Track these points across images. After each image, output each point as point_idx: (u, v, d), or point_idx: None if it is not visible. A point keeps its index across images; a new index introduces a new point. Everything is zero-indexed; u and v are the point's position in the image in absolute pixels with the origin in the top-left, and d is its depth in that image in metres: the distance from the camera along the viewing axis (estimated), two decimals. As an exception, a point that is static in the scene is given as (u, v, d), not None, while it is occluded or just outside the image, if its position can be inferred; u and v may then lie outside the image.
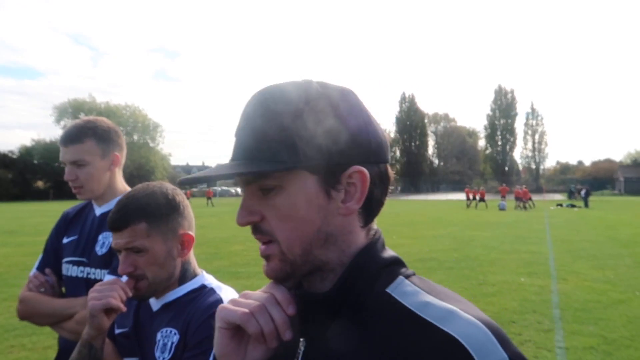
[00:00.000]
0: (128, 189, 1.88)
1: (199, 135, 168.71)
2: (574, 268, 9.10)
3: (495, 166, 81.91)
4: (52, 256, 1.85)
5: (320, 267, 0.68)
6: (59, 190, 54.80)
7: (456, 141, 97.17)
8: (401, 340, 0.60)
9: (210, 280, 1.44)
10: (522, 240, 13.71)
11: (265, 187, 0.66)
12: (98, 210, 1.82)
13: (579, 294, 6.97)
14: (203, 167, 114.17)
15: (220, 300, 1.31)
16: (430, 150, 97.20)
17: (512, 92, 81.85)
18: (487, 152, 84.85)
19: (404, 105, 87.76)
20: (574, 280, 8.00)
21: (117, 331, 1.53)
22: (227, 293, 1.37)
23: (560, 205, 34.97)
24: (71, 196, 1.75)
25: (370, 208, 0.69)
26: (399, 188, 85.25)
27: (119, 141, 1.84)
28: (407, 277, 0.68)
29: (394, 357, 0.60)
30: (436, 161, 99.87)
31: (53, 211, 29.52)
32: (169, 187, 1.38)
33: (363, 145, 0.66)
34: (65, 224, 1.89)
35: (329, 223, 0.66)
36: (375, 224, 0.73)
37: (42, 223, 19.89)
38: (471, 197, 34.45)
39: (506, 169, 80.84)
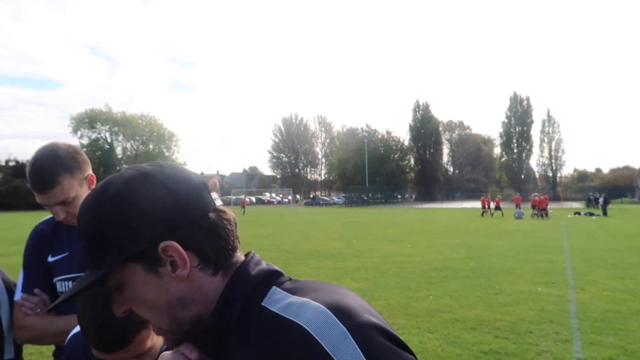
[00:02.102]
0: None
1: (214, 144, 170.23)
2: (592, 277, 8.95)
3: (511, 174, 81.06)
4: (37, 275, 1.81)
5: (198, 322, 0.74)
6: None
7: (471, 149, 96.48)
8: (275, 345, 0.65)
9: None
10: (538, 249, 13.53)
11: (115, 288, 0.75)
12: None
13: (597, 304, 6.85)
14: (218, 176, 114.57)
15: None
16: (445, 158, 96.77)
17: (527, 99, 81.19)
18: (503, 159, 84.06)
19: (418, 113, 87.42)
20: (593, 290, 7.87)
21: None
22: None
23: (578, 213, 34.48)
24: None
25: (209, 259, 0.73)
26: (413, 196, 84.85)
27: (84, 159, 1.80)
28: (280, 284, 0.74)
29: None
30: (451, 169, 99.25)
31: (70, 220, 29.74)
32: None
33: (162, 220, 0.70)
34: (45, 242, 1.86)
35: (174, 292, 0.72)
36: (239, 256, 0.78)
37: (60, 232, 20.06)
38: (487, 206, 34.12)
39: (522, 176, 79.97)
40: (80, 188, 1.74)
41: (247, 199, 70.29)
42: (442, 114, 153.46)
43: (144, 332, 1.15)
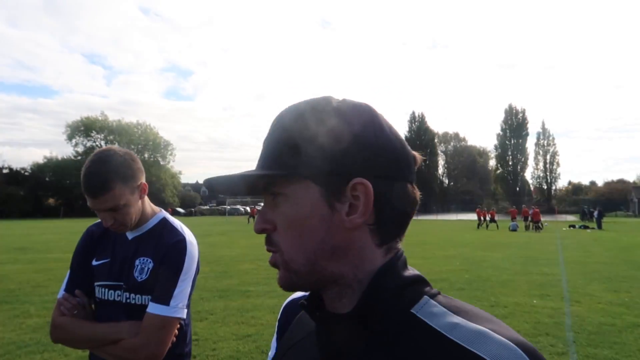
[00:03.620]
0: (156, 209, 1.89)
1: (209, 154, 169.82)
2: (587, 290, 8.95)
3: (506, 186, 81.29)
4: (80, 276, 1.82)
5: (334, 281, 0.66)
6: (70, 207, 55.31)
7: (466, 161, 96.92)
8: None
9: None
10: (534, 261, 13.54)
11: (273, 194, 0.67)
12: (130, 235, 1.81)
13: (593, 317, 6.84)
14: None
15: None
16: (441, 169, 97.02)
17: (523, 111, 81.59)
18: (498, 172, 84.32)
19: (414, 124, 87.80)
20: (588, 302, 7.86)
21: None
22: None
23: (573, 226, 34.61)
24: (81, 214, 1.80)
25: (384, 226, 0.66)
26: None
27: (140, 167, 1.79)
28: (432, 296, 0.65)
29: None
30: (446, 181, 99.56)
31: (64, 228, 29.80)
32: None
33: (372, 159, 0.64)
34: (93, 245, 1.86)
35: (334, 235, 0.65)
36: (398, 245, 0.70)
37: (53, 240, 20.00)
38: (482, 218, 34.21)
39: (517, 189, 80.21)
40: (132, 196, 1.71)
41: (242, 209, 70.22)
42: (438, 125, 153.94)
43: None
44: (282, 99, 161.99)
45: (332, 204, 0.64)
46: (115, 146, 1.81)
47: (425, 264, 12.59)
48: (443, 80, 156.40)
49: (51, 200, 60.62)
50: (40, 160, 63.30)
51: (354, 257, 0.66)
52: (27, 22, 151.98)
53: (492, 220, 33.41)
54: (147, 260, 1.74)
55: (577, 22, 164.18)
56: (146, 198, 1.83)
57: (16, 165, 63.37)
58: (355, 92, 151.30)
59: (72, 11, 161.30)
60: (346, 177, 0.63)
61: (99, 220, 1.86)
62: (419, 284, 0.67)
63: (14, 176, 59.59)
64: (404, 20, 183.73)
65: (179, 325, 1.74)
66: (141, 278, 1.72)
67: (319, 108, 0.67)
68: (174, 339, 1.71)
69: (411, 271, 0.69)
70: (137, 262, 1.75)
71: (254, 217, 39.28)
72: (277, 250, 0.68)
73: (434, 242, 20.30)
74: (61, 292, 1.81)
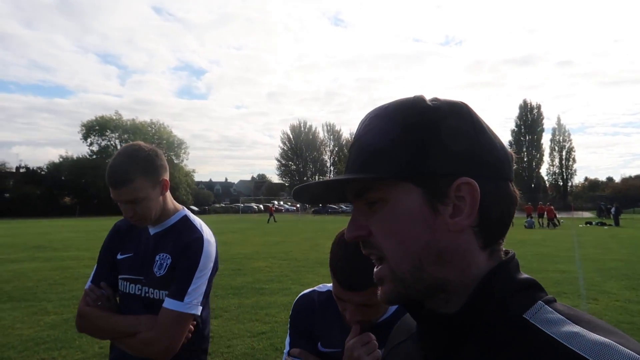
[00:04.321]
0: (178, 206, 1.92)
1: (222, 152, 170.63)
2: (604, 288, 8.83)
3: (521, 183, 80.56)
4: (106, 269, 1.88)
5: (441, 287, 0.63)
6: (85, 206, 55.98)
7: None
8: None
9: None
10: (550, 259, 13.39)
11: (370, 200, 0.65)
12: (152, 230, 1.86)
13: (610, 315, 6.75)
14: (226, 184, 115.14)
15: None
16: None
17: (538, 107, 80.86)
18: (513, 168, 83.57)
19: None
20: (605, 300, 7.76)
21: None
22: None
23: (590, 223, 34.20)
24: (97, 213, 1.83)
25: (488, 227, 0.63)
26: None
27: (163, 163, 1.83)
28: (548, 302, 0.61)
29: None
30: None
31: (79, 227, 30.18)
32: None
33: (474, 158, 0.62)
34: (119, 239, 1.91)
35: (439, 239, 0.62)
36: (502, 246, 0.67)
37: (69, 238, 20.27)
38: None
39: (532, 185, 79.48)
40: (153, 191, 1.76)
41: (255, 207, 70.45)
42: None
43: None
44: (295, 98, 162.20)
45: (435, 206, 0.62)
46: (142, 142, 1.87)
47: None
48: (456, 77, 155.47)
49: (67, 199, 61.44)
50: (56, 160, 64.21)
51: (460, 261, 0.63)
52: (42, 23, 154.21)
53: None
54: (166, 256, 1.78)
55: (593, 15, 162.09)
56: (169, 195, 1.87)
57: (33, 164, 64.35)
58: (367, 89, 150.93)
59: (87, 12, 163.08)
60: (450, 177, 0.61)
61: None
62: (533, 288, 0.64)
63: (30, 175, 60.47)
64: (417, 16, 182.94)
65: (195, 322, 1.77)
66: (160, 273, 1.76)
67: (414, 108, 0.64)
68: (189, 334, 1.74)
69: (523, 275, 0.65)
70: (157, 257, 1.79)
71: (273, 216, 39.26)
72: (381, 256, 0.65)
73: (448, 239, 20.17)
74: (88, 284, 1.87)
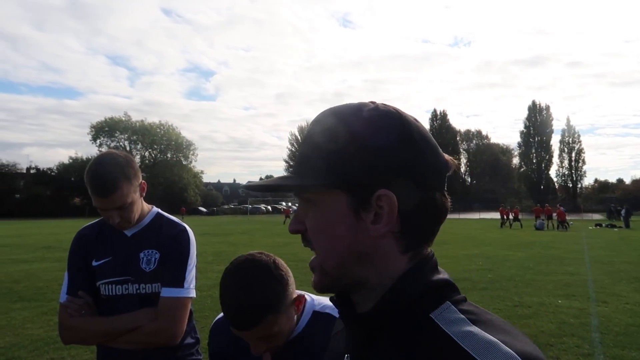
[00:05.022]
0: (149, 206, 2.01)
1: (230, 153, 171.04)
2: (614, 290, 8.77)
3: (530, 184, 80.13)
4: (80, 279, 1.90)
5: (362, 285, 0.69)
6: (95, 207, 56.30)
7: (489, 159, 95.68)
8: None
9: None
10: (559, 261, 13.32)
11: (306, 200, 0.71)
12: (128, 232, 1.92)
13: (620, 318, 6.70)
14: (234, 185, 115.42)
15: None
16: (463, 168, 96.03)
17: (547, 108, 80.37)
18: (522, 170, 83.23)
19: (435, 122, 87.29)
20: (615, 303, 7.71)
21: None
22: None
23: (600, 225, 33.94)
24: None
25: (409, 234, 0.68)
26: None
27: (137, 166, 1.90)
28: (455, 302, 0.66)
29: None
30: (469, 179, 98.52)
31: (90, 227, 30.22)
32: None
33: (398, 170, 0.66)
34: (88, 247, 1.94)
35: (361, 242, 0.67)
36: (426, 250, 0.72)
37: (79, 239, 20.36)
38: (505, 217, 33.77)
39: (541, 187, 78.98)
40: (135, 194, 1.84)
41: (263, 207, 70.47)
42: (459, 123, 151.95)
43: (272, 316, 1.23)
44: (303, 99, 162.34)
45: (358, 213, 0.67)
46: (114, 150, 1.96)
47: (446, 264, 12.50)
48: (464, 77, 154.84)
49: (77, 200, 61.84)
50: (66, 161, 64.80)
51: (379, 263, 0.68)
52: (53, 25, 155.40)
53: (516, 219, 32.96)
54: (152, 252, 1.87)
55: (603, 15, 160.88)
56: (142, 200, 1.96)
57: (43, 165, 65.01)
58: (375, 90, 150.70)
59: (97, 13, 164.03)
60: (372, 188, 0.66)
61: (89, 223, 2.01)
62: (444, 289, 0.68)
63: (40, 176, 61.08)
64: (425, 17, 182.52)
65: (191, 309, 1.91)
66: (149, 268, 1.85)
67: (350, 118, 0.68)
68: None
69: (440, 275, 0.69)
70: (141, 255, 1.87)
71: (289, 217, 39.53)
72: (312, 248, 0.72)
73: (456, 241, 20.12)
74: (63, 297, 1.89)
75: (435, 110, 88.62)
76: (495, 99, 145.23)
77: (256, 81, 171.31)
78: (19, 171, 61.82)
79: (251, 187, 0.76)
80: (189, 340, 1.95)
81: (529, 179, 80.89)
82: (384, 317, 0.67)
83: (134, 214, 1.84)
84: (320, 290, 0.73)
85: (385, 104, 0.72)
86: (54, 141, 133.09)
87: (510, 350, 0.57)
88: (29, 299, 8.05)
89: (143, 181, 1.90)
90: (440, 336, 0.61)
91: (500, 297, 8.14)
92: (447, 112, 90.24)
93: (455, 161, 0.73)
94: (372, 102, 0.71)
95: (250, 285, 1.24)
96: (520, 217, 33.61)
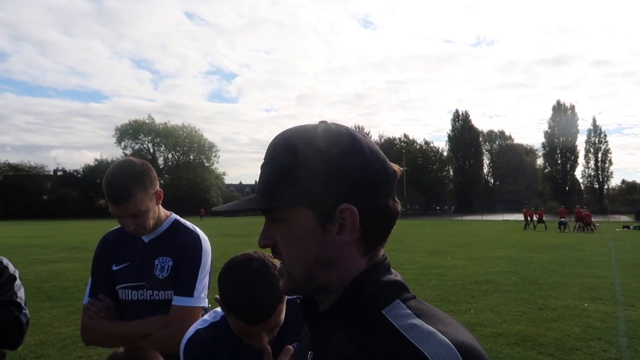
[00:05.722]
0: (167, 212, 2.03)
1: (252, 155, 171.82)
2: (643, 294, 8.55)
3: (555, 186, 78.59)
4: (102, 282, 1.95)
5: (326, 288, 0.77)
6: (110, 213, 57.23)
7: (513, 160, 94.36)
8: (387, 357, 0.67)
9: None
10: (584, 263, 13.05)
11: (274, 218, 0.77)
12: (146, 238, 1.95)
13: (649, 322, 6.54)
14: (255, 186, 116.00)
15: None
16: (486, 169, 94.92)
17: (572, 108, 78.75)
18: (546, 171, 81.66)
19: (457, 123, 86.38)
20: (643, 307, 7.52)
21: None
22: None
23: (627, 227, 33.14)
24: None
25: (369, 239, 0.76)
26: (452, 208, 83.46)
27: (155, 174, 1.92)
28: (404, 300, 0.75)
29: None
30: (492, 180, 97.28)
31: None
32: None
33: (356, 185, 0.73)
34: (110, 251, 1.99)
35: (327, 250, 0.75)
36: (381, 252, 0.80)
37: (105, 239, 20.73)
38: (529, 218, 33.21)
39: (567, 188, 77.44)
40: (150, 202, 1.86)
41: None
42: (482, 123, 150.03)
43: (281, 305, 1.28)
44: (324, 100, 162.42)
45: (324, 225, 0.74)
46: (132, 157, 1.97)
47: (469, 265, 12.38)
48: (487, 78, 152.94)
49: (102, 201, 62.64)
50: (92, 163, 66.05)
51: (342, 267, 0.76)
52: (80, 30, 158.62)
53: (540, 220, 32.37)
54: (166, 259, 1.89)
55: (629, 13, 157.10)
56: (160, 207, 1.98)
57: (69, 167, 66.42)
58: (396, 91, 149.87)
59: (121, 18, 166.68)
60: (335, 203, 0.73)
61: (113, 228, 2.05)
62: (395, 288, 0.77)
63: (67, 178, 62.39)
64: (447, 17, 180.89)
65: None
66: (162, 275, 1.87)
67: (307, 139, 0.75)
68: None
69: (392, 276, 0.78)
70: (156, 261, 1.89)
71: None
72: (282, 260, 0.79)
73: (479, 242, 19.90)
74: (86, 299, 1.95)
75: (457, 111, 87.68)
76: (518, 99, 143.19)
77: (277, 83, 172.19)
78: (46, 173, 63.26)
79: (219, 211, 0.83)
80: None
81: (554, 180, 79.33)
82: (341, 314, 0.75)
83: (149, 221, 1.86)
84: (287, 294, 0.80)
85: (335, 123, 0.79)
86: (80, 143, 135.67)
87: (445, 338, 0.66)
88: (57, 298, 8.24)
89: (159, 189, 1.92)
90: (389, 329, 0.70)
91: (525, 300, 8.03)
92: (470, 113, 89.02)
93: (401, 169, 0.81)
94: (322, 122, 0.79)
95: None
96: (544, 218, 33.01)
